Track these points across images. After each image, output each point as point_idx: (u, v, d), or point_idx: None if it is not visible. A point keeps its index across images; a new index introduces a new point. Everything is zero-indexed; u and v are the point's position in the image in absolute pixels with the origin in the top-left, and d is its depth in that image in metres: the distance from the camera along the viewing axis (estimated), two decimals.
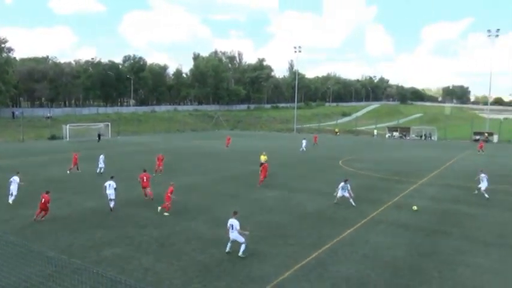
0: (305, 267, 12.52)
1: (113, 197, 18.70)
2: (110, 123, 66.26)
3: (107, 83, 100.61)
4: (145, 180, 20.76)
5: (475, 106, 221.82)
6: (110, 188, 18.71)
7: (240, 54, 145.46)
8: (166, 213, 18.10)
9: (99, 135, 57.55)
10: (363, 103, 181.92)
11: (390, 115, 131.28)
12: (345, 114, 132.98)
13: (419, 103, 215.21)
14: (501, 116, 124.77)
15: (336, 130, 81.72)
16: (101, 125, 64.39)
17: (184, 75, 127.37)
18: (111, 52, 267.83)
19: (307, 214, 18.75)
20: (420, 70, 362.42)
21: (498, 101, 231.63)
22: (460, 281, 11.73)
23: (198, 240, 14.82)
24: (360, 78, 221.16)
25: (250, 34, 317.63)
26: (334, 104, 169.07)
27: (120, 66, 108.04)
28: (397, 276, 11.97)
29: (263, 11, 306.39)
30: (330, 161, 37.61)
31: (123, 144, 51.44)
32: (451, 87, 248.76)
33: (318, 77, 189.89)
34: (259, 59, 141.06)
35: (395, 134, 75.87)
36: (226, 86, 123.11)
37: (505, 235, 16.08)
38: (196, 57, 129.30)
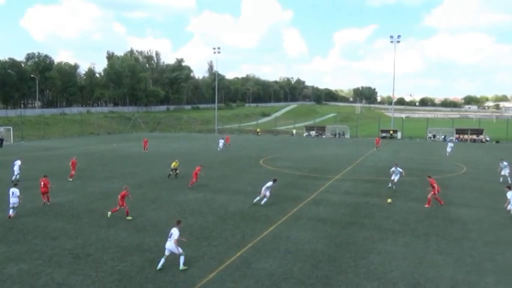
0: (229, 267, 12.57)
1: (16, 205, 17.58)
2: (11, 128, 60.30)
3: (8, 83, 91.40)
4: (42, 185, 19.89)
5: (381, 106, 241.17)
6: (14, 196, 17.57)
7: (157, 54, 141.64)
8: (128, 218, 17.67)
9: (1, 140, 52.09)
10: (281, 103, 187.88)
11: (307, 115, 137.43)
12: (264, 115, 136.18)
13: (333, 103, 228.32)
14: (403, 115, 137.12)
15: (258, 130, 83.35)
16: (1, 129, 58.30)
17: (97, 75, 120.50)
18: (11, 49, 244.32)
19: (230, 214, 18.86)
20: (333, 72, 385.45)
21: (401, 101, 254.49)
22: (372, 268, 12.66)
23: (117, 249, 14.12)
24: (278, 79, 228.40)
25: (168, 34, 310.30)
26: (254, 104, 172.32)
27: (23, 65, 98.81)
28: (317, 268, 12.56)
29: (181, 11, 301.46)
30: (251, 161, 38.22)
31: (28, 150, 47.09)
32: (360, 89, 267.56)
33: (237, 78, 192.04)
34: (177, 59, 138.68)
35: (313, 132, 79.58)
36: (144, 87, 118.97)
37: (409, 223, 17.71)
38: (110, 57, 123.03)
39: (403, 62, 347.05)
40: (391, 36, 77.55)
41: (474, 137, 67.78)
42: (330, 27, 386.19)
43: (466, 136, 68.02)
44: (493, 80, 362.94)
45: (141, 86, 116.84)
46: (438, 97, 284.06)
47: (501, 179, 27.96)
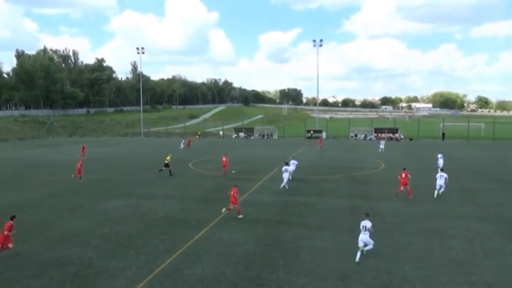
0: (159, 276, 12.21)
1: None
2: None
3: None
4: None
5: (307, 107, 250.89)
6: None
7: (75, 54, 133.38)
8: None
9: None
10: (209, 105, 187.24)
11: (235, 116, 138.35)
12: (192, 117, 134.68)
13: (260, 105, 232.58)
14: (327, 116, 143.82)
15: (199, 133, 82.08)
16: None
17: (5, 75, 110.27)
18: None
19: (159, 220, 18.33)
20: (260, 74, 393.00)
21: (325, 102, 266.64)
22: (302, 265, 13.08)
23: (32, 265, 13.01)
24: (205, 81, 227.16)
25: (86, 32, 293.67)
26: (182, 106, 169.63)
27: None
28: (249, 270, 12.67)
29: (99, 8, 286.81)
30: (179, 164, 37.51)
31: None
32: (287, 90, 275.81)
33: (163, 79, 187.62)
34: (98, 59, 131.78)
35: (241, 134, 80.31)
36: (61, 89, 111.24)
37: (335, 219, 18.61)
38: (20, 55, 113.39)
39: (326, 64, 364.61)
40: (314, 40, 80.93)
41: (390, 135, 73.16)
42: (256, 29, 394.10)
43: (383, 135, 73.12)
44: (405, 82, 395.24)
45: (57, 88, 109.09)
46: (358, 98, 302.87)
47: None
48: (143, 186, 26.53)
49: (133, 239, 15.60)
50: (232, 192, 18.69)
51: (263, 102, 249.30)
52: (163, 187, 26.38)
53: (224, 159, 32.01)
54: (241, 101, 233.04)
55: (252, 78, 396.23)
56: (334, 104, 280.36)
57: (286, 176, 25.43)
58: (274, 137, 78.16)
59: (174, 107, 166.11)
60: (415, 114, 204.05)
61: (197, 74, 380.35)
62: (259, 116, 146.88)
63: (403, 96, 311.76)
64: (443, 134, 72.42)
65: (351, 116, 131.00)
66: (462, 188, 25.75)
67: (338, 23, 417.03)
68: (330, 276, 12.15)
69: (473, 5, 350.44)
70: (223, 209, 19.02)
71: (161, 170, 31.06)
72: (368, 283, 11.75)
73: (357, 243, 13.75)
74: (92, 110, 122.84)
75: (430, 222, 17.99)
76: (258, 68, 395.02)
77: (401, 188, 23.22)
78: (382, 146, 50.83)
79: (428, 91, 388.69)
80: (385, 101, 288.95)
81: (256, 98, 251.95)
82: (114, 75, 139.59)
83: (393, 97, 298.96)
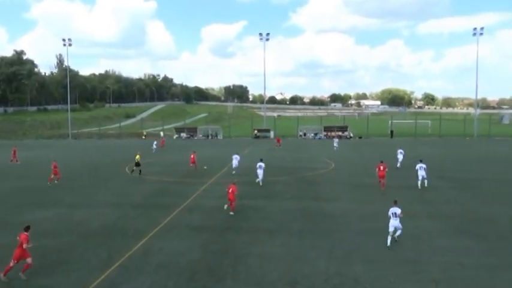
0: None
1: None
2: None
3: None
4: None
5: (253, 105, 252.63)
6: None
7: None
8: None
9: None
10: (148, 103, 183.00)
11: (177, 115, 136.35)
12: (129, 116, 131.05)
13: (204, 103, 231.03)
14: (275, 114, 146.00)
15: (144, 133, 79.78)
16: None
17: None
18: None
19: (93, 232, 17.69)
20: (203, 69, 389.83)
21: (272, 100, 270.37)
22: (251, 272, 13.24)
23: None
24: (142, 76, 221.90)
25: (1, 20, 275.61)
26: (116, 105, 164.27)
27: None
28: (194, 280, 12.61)
29: None
30: (115, 168, 36.40)
31: None
32: (232, 87, 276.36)
33: (95, 74, 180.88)
34: (16, 51, 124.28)
35: (183, 134, 79.43)
36: None
37: (285, 222, 19.00)
38: None
39: (273, 60, 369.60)
40: (260, 34, 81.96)
41: (340, 133, 75.89)
42: (198, 21, 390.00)
43: (333, 133, 75.69)
44: (353, 78, 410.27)
45: None
46: (307, 95, 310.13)
47: (398, 165, 34.84)
48: (75, 194, 25.43)
49: (64, 254, 14.94)
50: (230, 190, 20.33)
51: (207, 100, 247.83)
52: (97, 194, 25.46)
53: (192, 156, 35.36)
54: (183, 99, 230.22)
55: (195, 74, 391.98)
56: (282, 102, 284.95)
57: (260, 173, 27.78)
58: (219, 137, 78.13)
59: (107, 105, 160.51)
60: (364, 111, 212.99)
61: (133, 69, 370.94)
62: (203, 115, 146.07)
63: (352, 93, 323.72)
64: (392, 132, 76.35)
65: (299, 114, 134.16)
66: (411, 186, 27.28)
67: (285, 16, 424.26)
68: (280, 283, 12.41)
69: (419, 1, 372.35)
70: (225, 206, 20.54)
71: (133, 170, 32.52)
72: (319, 287, 12.15)
73: (388, 229, 15.53)
74: (10, 109, 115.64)
75: (379, 221, 18.86)
76: (200, 63, 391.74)
77: (380, 180, 26.41)
78: (335, 144, 53.60)
79: (377, 88, 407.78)
80: (334, 98, 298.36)
81: (199, 95, 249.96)
82: (36, 69, 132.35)
83: (342, 94, 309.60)
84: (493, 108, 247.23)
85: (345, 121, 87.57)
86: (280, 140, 61.35)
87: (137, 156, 32.67)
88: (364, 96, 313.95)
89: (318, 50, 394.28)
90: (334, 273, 13.11)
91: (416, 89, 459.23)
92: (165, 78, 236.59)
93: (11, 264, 12.55)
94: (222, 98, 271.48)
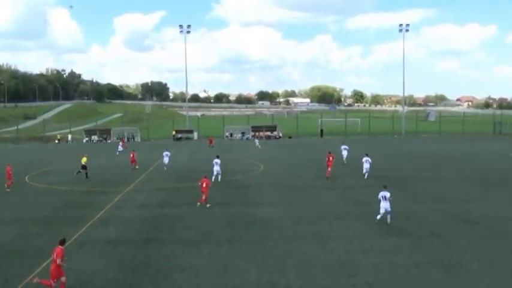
0: None
1: None
2: None
3: None
4: None
5: (174, 103, 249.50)
6: None
7: None
8: None
9: None
10: (51, 103, 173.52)
11: (87, 116, 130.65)
12: (28, 117, 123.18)
13: (118, 101, 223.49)
14: (199, 113, 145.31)
15: (59, 137, 74.89)
16: None
17: None
18: None
19: None
20: (116, 64, 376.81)
21: (195, 98, 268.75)
22: (176, 287, 13.02)
23: None
24: (44, 72, 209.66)
25: None
26: (12, 104, 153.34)
27: None
28: None
29: None
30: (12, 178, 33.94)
31: None
32: (150, 84, 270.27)
33: None
34: None
35: (95, 137, 76.34)
36: None
37: (212, 230, 18.92)
38: None
39: (195, 54, 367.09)
40: (181, 26, 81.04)
41: (269, 133, 77.32)
42: (110, 10, 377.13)
43: (261, 133, 76.90)
44: (282, 75, 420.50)
45: None
46: (233, 93, 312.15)
47: (344, 162, 38.39)
48: None
49: None
50: (204, 184, 22.78)
51: (121, 99, 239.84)
52: None
53: (132, 155, 38.62)
54: (94, 97, 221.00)
55: (107, 69, 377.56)
56: (206, 100, 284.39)
57: (216, 169, 30.76)
58: (136, 139, 76.11)
59: (1, 104, 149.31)
60: (294, 109, 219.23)
61: (33, 63, 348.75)
62: (117, 115, 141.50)
63: (280, 90, 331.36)
64: (322, 131, 79.33)
65: (225, 113, 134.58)
66: (342, 187, 28.55)
67: (207, 7, 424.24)
68: None
69: None
70: (198, 204, 22.96)
71: (79, 171, 33.70)
72: None
73: (379, 210, 19.27)
74: None
75: (311, 225, 19.56)
76: (113, 57, 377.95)
77: (329, 169, 31.17)
78: (258, 144, 56.03)
79: (306, 85, 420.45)
80: (262, 95, 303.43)
81: (112, 93, 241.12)
82: None
83: (270, 91, 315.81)
84: (420, 105, 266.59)
85: (273, 120, 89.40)
86: (213, 139, 61.51)
87: (84, 159, 34.10)
88: (293, 94, 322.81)
89: (244, 44, 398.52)
90: (267, 283, 13.30)
91: (346, 86, 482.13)
92: (72, 74, 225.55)
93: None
94: (139, 96, 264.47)
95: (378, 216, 19.33)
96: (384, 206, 19.14)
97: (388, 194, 19.12)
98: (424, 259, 15.04)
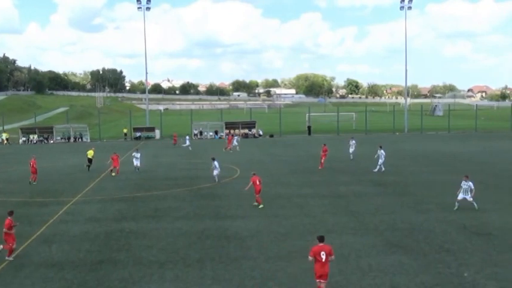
0: None
1: None
2: None
3: None
4: None
5: (132, 95, 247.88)
6: None
7: None
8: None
9: None
10: None
11: (24, 111, 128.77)
12: None
13: (62, 93, 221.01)
14: (161, 107, 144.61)
15: (5, 136, 73.52)
16: None
17: None
18: None
19: None
20: (60, 48, 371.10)
21: (157, 89, 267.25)
22: None
23: None
24: None
25: None
26: None
27: None
28: None
29: None
30: None
31: None
32: (101, 72, 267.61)
33: None
34: None
35: (34, 137, 75.24)
36: None
37: (179, 249, 18.86)
38: None
39: (157, 36, 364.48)
40: (138, 1, 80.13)
41: (246, 131, 77.37)
42: None
43: (237, 131, 76.94)
44: (261, 61, 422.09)
45: None
46: (203, 82, 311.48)
47: (351, 157, 44.24)
48: None
49: None
50: (258, 182, 25.38)
51: (66, 89, 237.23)
52: None
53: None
54: (32, 88, 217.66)
55: (48, 54, 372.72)
56: (171, 91, 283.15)
57: (216, 172, 33.11)
58: (85, 139, 75.29)
59: None
60: (276, 102, 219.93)
61: None
62: (62, 110, 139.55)
63: (260, 79, 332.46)
64: (309, 128, 79.83)
65: (193, 107, 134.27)
66: (333, 194, 28.81)
67: None
68: None
69: None
70: (255, 203, 25.65)
71: (88, 165, 40.00)
72: None
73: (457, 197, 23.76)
74: None
75: (297, 240, 19.65)
76: (56, 40, 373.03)
77: (322, 161, 37.66)
78: (235, 142, 56.94)
79: (291, 73, 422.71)
80: (238, 86, 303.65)
81: (55, 83, 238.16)
82: None
83: (248, 81, 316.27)
84: (425, 97, 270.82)
85: (251, 115, 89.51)
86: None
87: (90, 152, 40.14)
88: (275, 84, 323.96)
89: (216, 23, 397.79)
90: None
91: (338, 75, 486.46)
92: (5, 60, 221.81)
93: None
94: (88, 87, 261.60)
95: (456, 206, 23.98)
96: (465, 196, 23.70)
97: (472, 185, 23.75)
98: (431, 280, 15.27)
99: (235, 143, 56.56)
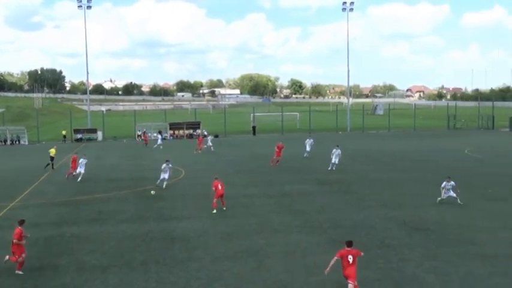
0: None
1: None
2: None
3: None
4: None
5: (73, 96, 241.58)
6: None
7: None
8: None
9: None
10: None
11: None
12: None
13: None
14: (103, 108, 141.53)
15: None
16: None
17: None
18: None
19: None
20: None
21: (99, 89, 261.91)
22: None
23: None
24: None
25: None
26: None
27: None
28: None
29: None
30: None
31: None
32: (40, 72, 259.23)
33: None
34: None
35: None
36: None
37: (123, 252, 18.51)
38: None
39: (99, 35, 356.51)
40: (80, 0, 78.28)
41: (191, 132, 76.84)
42: None
43: (181, 132, 76.24)
44: (205, 62, 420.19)
45: None
46: (146, 83, 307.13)
47: (305, 154, 45.58)
48: None
49: None
50: (219, 186, 24.58)
51: (3, 90, 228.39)
52: None
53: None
54: None
55: None
56: (113, 91, 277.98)
57: (165, 176, 31.40)
58: (23, 141, 72.68)
59: None
60: (221, 103, 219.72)
61: None
62: None
63: (204, 79, 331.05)
64: (254, 128, 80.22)
65: (137, 108, 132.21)
66: (278, 194, 29.07)
67: None
68: None
69: None
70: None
71: (48, 164, 39.99)
72: None
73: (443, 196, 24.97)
74: None
75: (244, 240, 19.70)
76: None
77: (275, 158, 39.85)
78: (159, 142, 57.73)
79: (235, 73, 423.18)
80: (182, 86, 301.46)
81: None
82: None
83: (192, 81, 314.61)
84: (367, 96, 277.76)
85: (196, 116, 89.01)
86: (146, 138, 63.13)
87: (52, 150, 40.24)
88: (219, 84, 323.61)
89: (159, 23, 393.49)
90: None
91: (282, 75, 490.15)
92: None
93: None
94: (26, 87, 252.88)
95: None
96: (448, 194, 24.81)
97: (454, 184, 24.94)
98: (373, 275, 15.63)
99: (209, 143, 55.26)
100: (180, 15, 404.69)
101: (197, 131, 76.56)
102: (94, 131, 76.53)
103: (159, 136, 64.20)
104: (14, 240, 16.31)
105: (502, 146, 55.12)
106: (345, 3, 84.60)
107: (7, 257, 16.44)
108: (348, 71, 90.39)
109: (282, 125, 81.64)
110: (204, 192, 29.00)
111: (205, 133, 77.07)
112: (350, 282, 13.42)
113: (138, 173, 38.93)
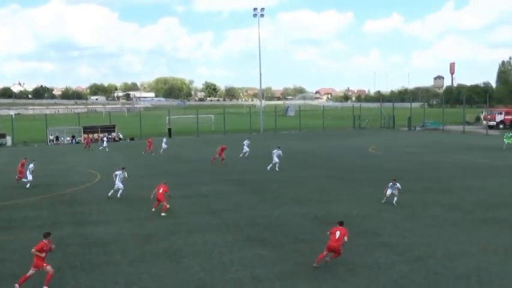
0: None
1: None
2: None
3: None
4: None
5: None
6: None
7: None
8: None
9: None
10: None
11: None
12: None
13: None
14: (12, 112, 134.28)
15: None
16: None
17: None
18: None
19: None
20: None
21: (7, 93, 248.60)
22: None
23: None
24: None
25: None
26: None
27: None
28: None
29: None
30: None
31: None
32: None
33: None
34: None
35: None
36: None
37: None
38: None
39: (6, 37, 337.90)
40: None
41: (106, 135, 74.60)
42: None
43: (96, 135, 73.89)
44: (120, 65, 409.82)
45: None
46: (58, 86, 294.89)
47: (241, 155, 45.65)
48: None
49: None
50: (161, 190, 24.03)
51: None
52: None
53: None
54: None
55: None
56: (22, 95, 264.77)
57: (119, 184, 28.30)
58: None
59: None
60: (136, 106, 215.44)
61: None
62: None
63: (118, 83, 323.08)
64: (170, 130, 79.37)
65: (48, 112, 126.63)
66: (195, 194, 29.06)
67: None
68: None
69: None
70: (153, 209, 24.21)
71: None
72: None
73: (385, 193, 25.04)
74: None
75: (161, 242, 19.50)
76: None
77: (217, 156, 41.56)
78: (164, 146, 54.38)
79: (150, 76, 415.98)
80: (96, 89, 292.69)
81: None
82: None
83: (106, 84, 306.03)
84: (278, 99, 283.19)
85: (111, 119, 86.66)
86: (90, 141, 60.95)
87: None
88: (134, 87, 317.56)
89: (70, 25, 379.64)
90: None
91: (196, 78, 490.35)
92: None
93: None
94: None
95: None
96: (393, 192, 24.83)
97: (400, 186, 24.84)
98: (289, 269, 16.03)
99: (164, 146, 53.62)
100: (93, 18, 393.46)
101: (112, 134, 74.51)
102: (3, 135, 72.41)
103: (105, 139, 61.70)
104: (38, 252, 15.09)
105: (401, 144, 58.42)
106: (255, 9, 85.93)
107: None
108: (260, 74, 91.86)
109: (197, 127, 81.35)
110: (121, 196, 28.36)
111: (121, 136, 75.50)
112: (329, 254, 15.73)
113: (51, 178, 37.32)
